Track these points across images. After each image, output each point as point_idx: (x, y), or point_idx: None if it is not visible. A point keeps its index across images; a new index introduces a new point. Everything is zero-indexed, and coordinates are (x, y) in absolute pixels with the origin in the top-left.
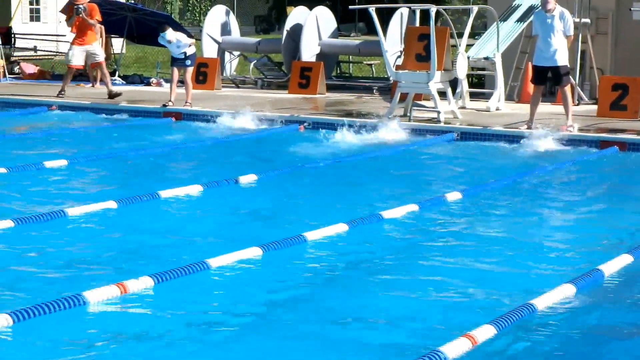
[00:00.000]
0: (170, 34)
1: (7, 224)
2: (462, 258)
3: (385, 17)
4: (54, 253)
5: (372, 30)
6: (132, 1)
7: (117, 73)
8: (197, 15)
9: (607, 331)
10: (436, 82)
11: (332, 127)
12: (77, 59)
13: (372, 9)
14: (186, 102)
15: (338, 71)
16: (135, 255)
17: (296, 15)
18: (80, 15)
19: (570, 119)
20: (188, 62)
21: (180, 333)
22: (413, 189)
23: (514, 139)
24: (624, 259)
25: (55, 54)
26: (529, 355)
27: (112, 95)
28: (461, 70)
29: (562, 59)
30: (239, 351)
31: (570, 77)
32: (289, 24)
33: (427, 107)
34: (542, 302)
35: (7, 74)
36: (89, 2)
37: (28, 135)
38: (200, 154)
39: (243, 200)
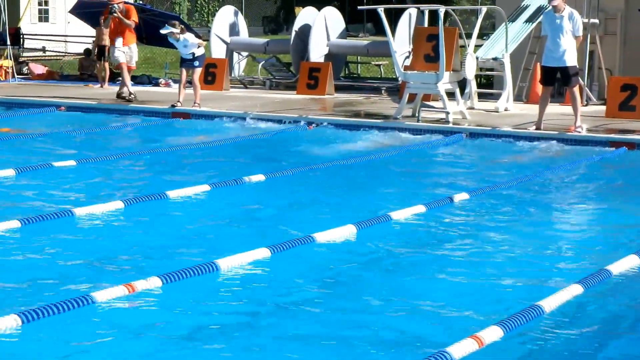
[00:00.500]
0: (175, 29)
1: (15, 224)
2: (469, 258)
3: (394, 17)
4: (62, 254)
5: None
6: (141, 2)
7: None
8: (205, 15)
9: (615, 332)
10: (445, 83)
11: (340, 127)
12: (121, 57)
13: (380, 9)
14: (194, 103)
15: (346, 72)
16: (143, 255)
17: (305, 15)
18: (115, 15)
19: (579, 119)
20: (196, 63)
21: (188, 333)
22: (421, 190)
23: (523, 139)
24: (632, 260)
25: (63, 54)
26: (536, 356)
27: (120, 96)
28: (470, 71)
29: (571, 59)
30: (247, 352)
31: (579, 77)
32: (297, 24)
33: (436, 108)
34: (550, 303)
35: (15, 74)
36: (124, 2)
37: (37, 135)
38: (208, 154)
39: (251, 201)
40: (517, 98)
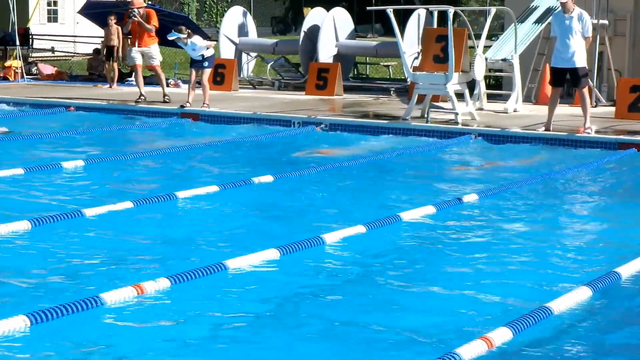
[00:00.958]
0: (182, 34)
1: (24, 225)
2: (478, 260)
3: (402, 18)
4: (71, 254)
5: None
6: (150, 2)
7: (133, 74)
8: (214, 16)
9: (624, 334)
10: (454, 84)
11: (349, 128)
12: (137, 59)
13: (389, 10)
14: (204, 103)
15: (355, 72)
16: (152, 256)
17: (313, 16)
18: (135, 19)
19: (588, 120)
20: (206, 63)
21: (197, 334)
22: (430, 191)
23: (532, 140)
24: None
25: (72, 54)
26: (546, 358)
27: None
28: (479, 72)
29: (580, 60)
30: (256, 352)
31: (589, 78)
32: (306, 25)
33: (445, 109)
34: (559, 305)
35: (25, 74)
36: (146, 7)
37: (45, 136)
38: (217, 154)
39: (260, 202)
40: (526, 99)
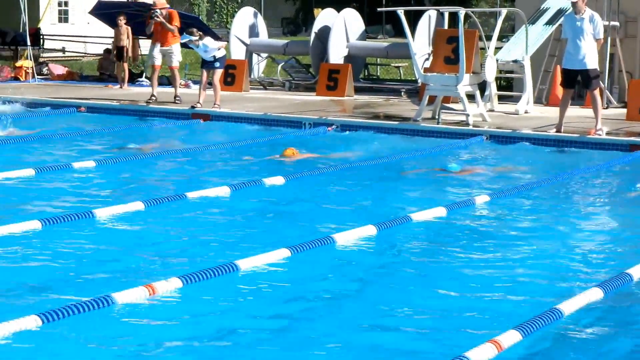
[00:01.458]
0: (193, 37)
1: (35, 224)
2: (488, 262)
3: (413, 19)
4: (82, 254)
5: (399, 33)
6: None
7: (144, 74)
8: (224, 17)
9: (635, 336)
10: (465, 85)
11: (360, 128)
12: (157, 59)
13: (400, 11)
14: (214, 104)
15: (366, 73)
16: (164, 256)
17: (324, 17)
18: (158, 20)
19: (600, 122)
20: (217, 64)
21: (208, 334)
22: (441, 192)
23: (543, 142)
24: None
25: (83, 55)
26: None
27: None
28: (490, 73)
29: (591, 62)
30: (266, 352)
31: (600, 80)
32: (316, 26)
33: (456, 110)
34: (569, 307)
35: (35, 75)
36: (169, 8)
37: (56, 136)
38: (227, 155)
39: (271, 202)
40: (537, 100)
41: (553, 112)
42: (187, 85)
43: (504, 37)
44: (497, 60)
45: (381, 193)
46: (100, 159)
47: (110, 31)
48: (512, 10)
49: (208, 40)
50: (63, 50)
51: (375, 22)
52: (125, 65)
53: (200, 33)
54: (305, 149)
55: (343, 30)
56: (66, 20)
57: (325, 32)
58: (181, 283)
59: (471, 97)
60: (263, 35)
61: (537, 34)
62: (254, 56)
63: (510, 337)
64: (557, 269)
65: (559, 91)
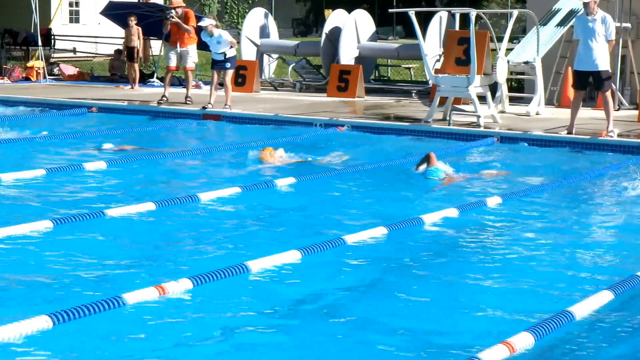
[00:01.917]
0: (212, 20)
1: (47, 224)
2: (500, 264)
3: (424, 20)
4: (93, 254)
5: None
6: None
7: (155, 75)
8: (235, 17)
9: None
10: (476, 86)
11: (370, 130)
12: (172, 60)
13: (411, 12)
14: (225, 105)
15: (376, 75)
16: (174, 257)
17: (334, 18)
18: (173, 20)
19: (611, 124)
20: (228, 64)
21: (218, 335)
22: (452, 193)
23: (554, 143)
24: None
25: (94, 55)
26: None
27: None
28: (501, 75)
29: (603, 63)
30: (277, 353)
31: (612, 82)
32: (327, 27)
33: (467, 112)
34: (581, 310)
35: (47, 75)
36: (184, 7)
37: (67, 136)
38: (238, 156)
39: (282, 203)
40: (549, 102)
41: (564, 113)
42: (197, 86)
43: (515, 38)
44: (508, 62)
45: (391, 193)
46: (110, 159)
47: (121, 32)
48: (524, 12)
49: (223, 32)
50: (74, 50)
51: (386, 23)
52: (136, 65)
53: (217, 23)
54: (303, 151)
55: (354, 31)
56: (77, 20)
57: (336, 33)
58: (191, 284)
59: (482, 98)
60: (274, 36)
61: (548, 35)
62: (265, 57)
63: (523, 339)
64: (569, 271)
65: (570, 93)
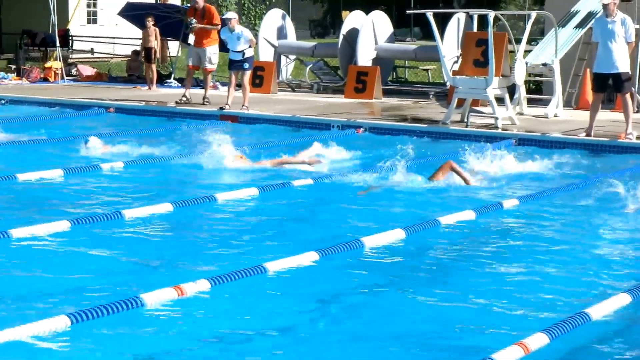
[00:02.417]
0: (235, 15)
1: (64, 225)
2: (516, 265)
3: (442, 21)
4: (111, 255)
5: (427, 35)
6: (189, 5)
7: (172, 76)
8: (252, 19)
9: None
10: (494, 88)
11: (388, 131)
12: (192, 60)
13: (429, 14)
14: (243, 106)
15: (394, 76)
16: (192, 258)
17: (352, 19)
18: (194, 27)
19: (630, 126)
20: (246, 65)
21: (236, 336)
22: (469, 195)
23: (573, 146)
24: None
25: (112, 56)
26: None
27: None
28: (519, 76)
29: (623, 65)
30: (293, 354)
31: (631, 84)
32: (345, 28)
33: (485, 113)
34: (597, 312)
35: (65, 75)
36: (205, 2)
37: (85, 137)
38: (255, 157)
39: (299, 205)
40: (567, 104)
41: (582, 115)
42: (215, 87)
43: (533, 40)
44: (526, 64)
45: (409, 196)
46: (128, 159)
47: (138, 32)
48: (542, 13)
49: (245, 29)
50: (92, 51)
51: (404, 25)
52: (154, 66)
53: (237, 19)
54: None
55: (371, 32)
56: (95, 21)
57: (353, 34)
58: (209, 285)
59: (500, 100)
60: (291, 37)
61: (566, 37)
62: (282, 58)
63: (538, 340)
64: (586, 273)
65: (589, 95)
